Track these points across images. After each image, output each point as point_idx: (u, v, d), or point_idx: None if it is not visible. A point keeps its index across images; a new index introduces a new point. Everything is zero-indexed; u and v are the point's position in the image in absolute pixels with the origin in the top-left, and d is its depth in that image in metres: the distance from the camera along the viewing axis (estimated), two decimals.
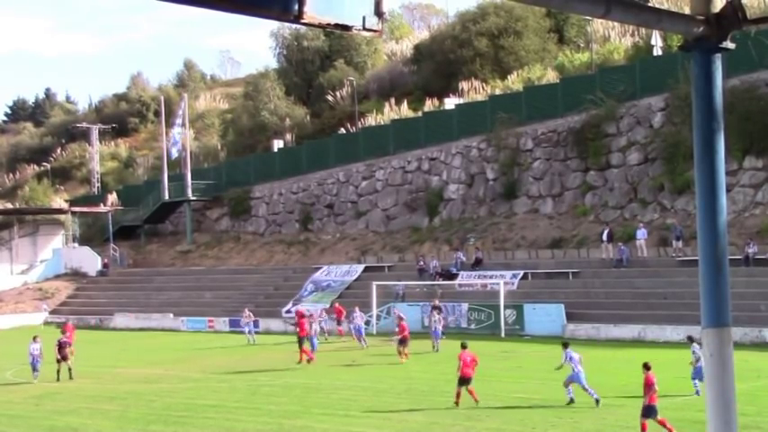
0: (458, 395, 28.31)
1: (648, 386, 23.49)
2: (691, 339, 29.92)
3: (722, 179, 6.63)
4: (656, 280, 51.52)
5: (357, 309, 49.67)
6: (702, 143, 6.62)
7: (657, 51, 64.60)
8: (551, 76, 73.88)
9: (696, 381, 28.52)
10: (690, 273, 45.97)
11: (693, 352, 29.01)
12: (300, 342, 41.74)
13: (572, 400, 28.30)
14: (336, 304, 56.32)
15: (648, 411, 23.31)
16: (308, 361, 40.58)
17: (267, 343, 51.66)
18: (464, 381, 28.48)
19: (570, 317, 50.05)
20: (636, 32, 72.78)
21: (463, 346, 29.41)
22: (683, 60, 51.80)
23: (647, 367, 24.23)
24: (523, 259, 58.87)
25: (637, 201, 58.90)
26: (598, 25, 76.08)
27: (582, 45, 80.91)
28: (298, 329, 42.73)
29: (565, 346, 29.94)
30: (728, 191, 43.68)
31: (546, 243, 59.80)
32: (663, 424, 23.19)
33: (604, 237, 55.52)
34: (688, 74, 40.81)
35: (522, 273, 56.23)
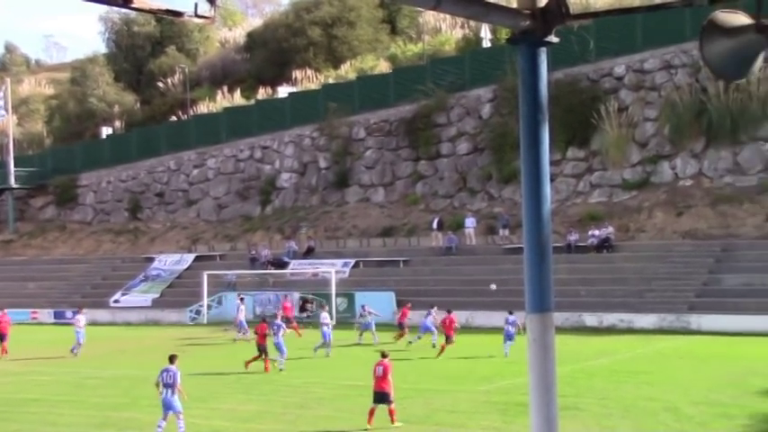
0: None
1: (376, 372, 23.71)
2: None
3: (547, 169, 6.81)
4: (484, 267, 52.79)
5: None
6: (528, 134, 6.78)
7: (486, 44, 66.11)
8: (383, 67, 74.56)
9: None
10: (515, 260, 47.26)
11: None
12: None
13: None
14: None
15: (378, 398, 23.42)
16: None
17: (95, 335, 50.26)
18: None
19: (401, 304, 50.64)
20: (466, 25, 74.18)
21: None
22: (510, 53, 53.21)
23: (383, 355, 24.19)
24: (355, 248, 59.33)
25: (466, 190, 60.17)
26: (429, 17, 77.21)
27: (414, 36, 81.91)
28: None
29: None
30: (552, 180, 45.11)
31: (377, 231, 60.43)
32: (391, 413, 23.20)
33: (434, 225, 56.60)
34: (515, 66, 41.94)
35: (353, 261, 56.72)
